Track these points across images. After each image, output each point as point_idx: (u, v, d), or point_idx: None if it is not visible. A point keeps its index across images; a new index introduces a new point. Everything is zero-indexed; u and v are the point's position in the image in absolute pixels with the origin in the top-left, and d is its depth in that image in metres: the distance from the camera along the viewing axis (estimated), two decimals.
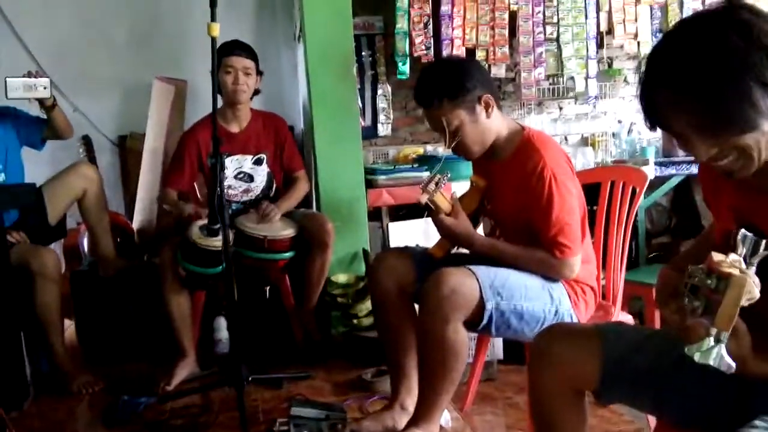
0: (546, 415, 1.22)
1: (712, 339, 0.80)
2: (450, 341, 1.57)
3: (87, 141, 3.14)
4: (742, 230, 0.86)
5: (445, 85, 1.69)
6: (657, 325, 2.47)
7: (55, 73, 2.50)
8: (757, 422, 0.84)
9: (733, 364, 0.81)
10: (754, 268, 0.80)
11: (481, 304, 1.56)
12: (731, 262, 0.81)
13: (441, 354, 1.59)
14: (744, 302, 0.78)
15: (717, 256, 0.82)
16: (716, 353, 0.81)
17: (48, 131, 2.63)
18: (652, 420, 1.78)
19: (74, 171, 2.59)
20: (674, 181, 3.43)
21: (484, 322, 1.57)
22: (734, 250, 0.83)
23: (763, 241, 0.84)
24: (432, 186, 1.71)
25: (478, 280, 1.56)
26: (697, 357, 0.82)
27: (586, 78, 3.52)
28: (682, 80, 0.88)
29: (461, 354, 1.60)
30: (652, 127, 0.98)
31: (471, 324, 1.59)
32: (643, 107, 0.96)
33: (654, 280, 2.62)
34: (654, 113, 0.95)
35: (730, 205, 1.06)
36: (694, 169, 3.37)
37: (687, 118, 0.89)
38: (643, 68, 0.94)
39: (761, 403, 0.95)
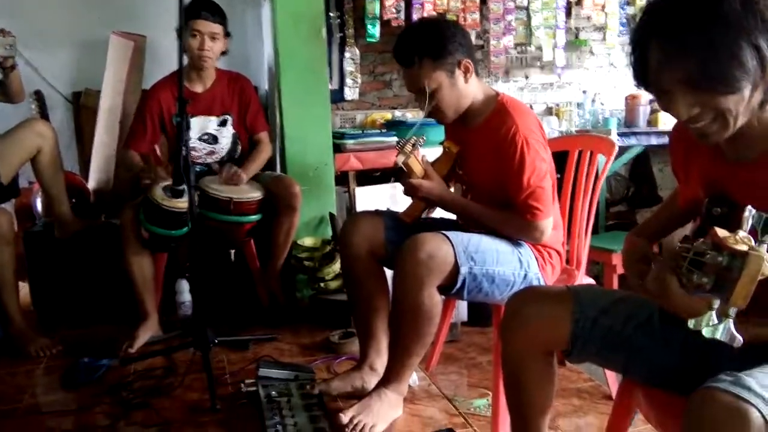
0: (516, 374, 1.26)
1: (714, 313, 0.80)
2: (425, 306, 1.59)
3: (39, 96, 3.00)
4: (749, 207, 0.85)
5: (428, 44, 1.67)
6: (614, 287, 2.57)
7: (6, 26, 2.35)
8: (723, 376, 0.88)
9: (741, 338, 0.82)
10: (765, 245, 0.78)
11: (454, 269, 1.57)
12: (741, 238, 0.79)
13: (415, 318, 1.60)
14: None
15: (722, 232, 0.80)
16: (723, 327, 0.81)
17: None
18: (610, 377, 1.86)
19: (28, 127, 2.47)
20: (634, 151, 3.51)
21: (458, 286, 1.59)
22: (738, 226, 0.82)
23: None
24: (408, 147, 1.70)
25: (452, 245, 1.57)
26: (705, 332, 0.81)
27: (554, 48, 3.54)
28: (677, 32, 0.89)
29: (435, 318, 1.62)
30: (639, 82, 0.98)
31: (443, 288, 1.61)
32: (634, 58, 0.97)
33: (613, 246, 2.72)
34: (644, 65, 0.95)
35: (702, 174, 1.09)
36: (654, 140, 3.46)
37: (676, 72, 0.91)
38: (638, 19, 0.94)
39: (722, 364, 1.00)
